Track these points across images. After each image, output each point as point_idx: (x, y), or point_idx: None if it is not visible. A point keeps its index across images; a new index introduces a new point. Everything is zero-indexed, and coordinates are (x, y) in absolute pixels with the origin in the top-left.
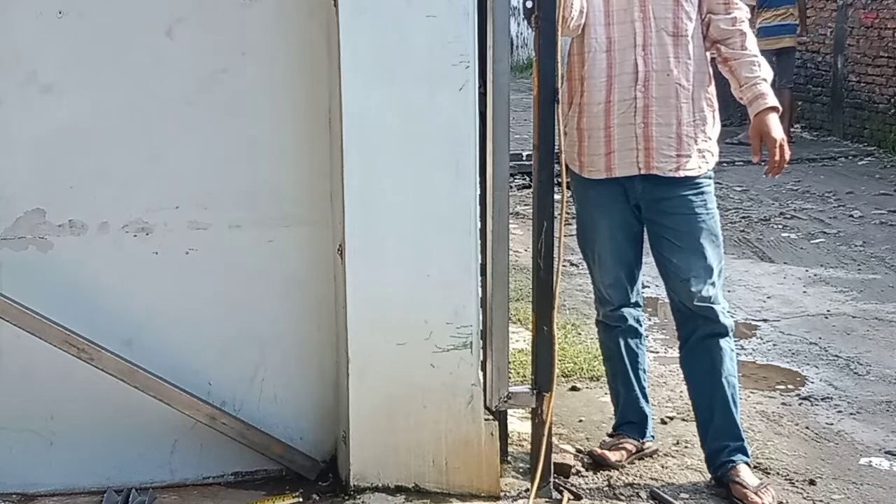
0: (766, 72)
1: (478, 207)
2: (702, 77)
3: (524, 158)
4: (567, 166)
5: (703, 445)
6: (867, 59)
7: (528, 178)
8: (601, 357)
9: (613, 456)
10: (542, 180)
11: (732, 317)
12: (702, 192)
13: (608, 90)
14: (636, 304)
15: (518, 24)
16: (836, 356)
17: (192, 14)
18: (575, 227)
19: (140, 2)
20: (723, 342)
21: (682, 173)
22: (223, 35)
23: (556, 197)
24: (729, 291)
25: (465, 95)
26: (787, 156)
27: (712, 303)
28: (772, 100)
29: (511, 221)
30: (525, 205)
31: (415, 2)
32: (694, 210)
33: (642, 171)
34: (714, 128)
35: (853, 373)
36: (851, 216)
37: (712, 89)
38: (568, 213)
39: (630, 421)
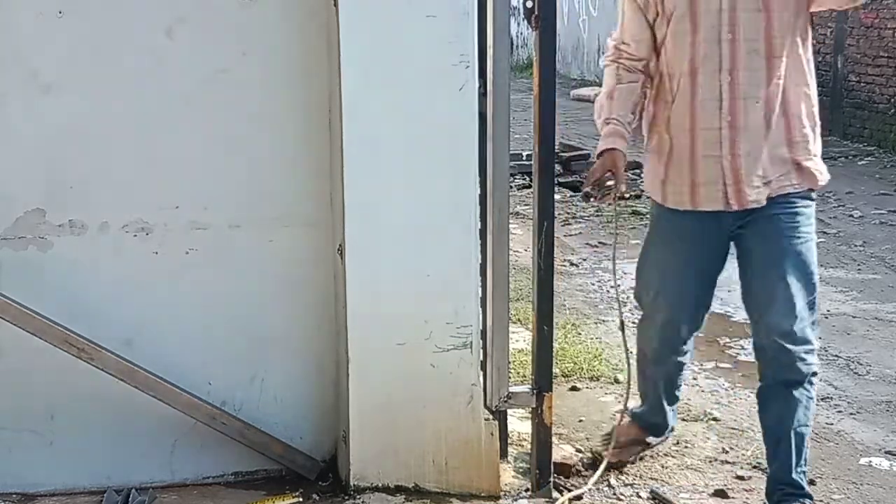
0: None
1: (478, 207)
2: (798, 97)
3: (524, 158)
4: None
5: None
6: (867, 59)
7: (528, 178)
8: (601, 357)
9: (622, 456)
10: (542, 180)
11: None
12: (795, 213)
13: (692, 116)
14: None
15: (518, 24)
16: (836, 356)
17: (192, 14)
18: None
19: (140, 2)
20: (797, 393)
21: (775, 193)
22: (223, 35)
23: (557, 197)
24: (728, 291)
25: (465, 95)
26: None
27: (790, 343)
28: None
29: (511, 221)
30: (525, 205)
31: (415, 2)
32: (783, 232)
33: (734, 208)
34: (814, 145)
35: (853, 373)
36: (851, 216)
37: (811, 106)
38: (568, 213)
39: (654, 422)
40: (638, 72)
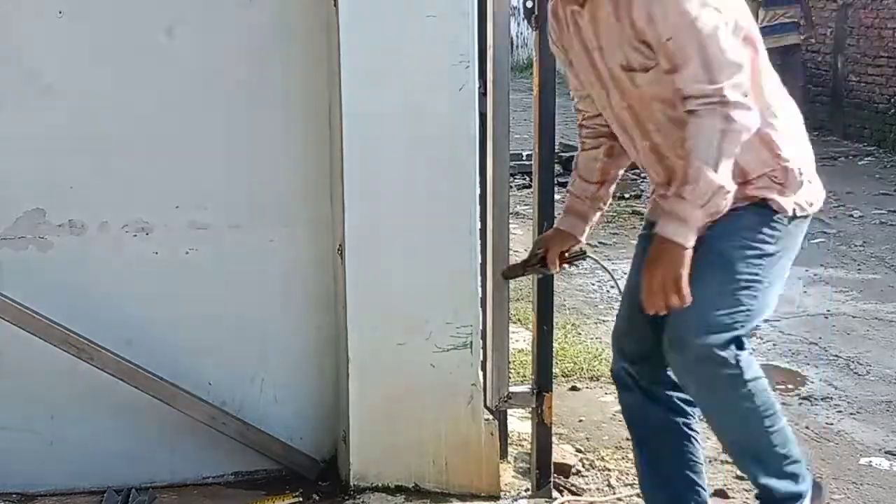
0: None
1: (478, 207)
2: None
3: (524, 158)
4: None
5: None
6: (867, 59)
7: (528, 178)
8: (601, 357)
9: None
10: (542, 180)
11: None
12: (732, 224)
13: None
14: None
15: (518, 24)
16: (836, 356)
17: (192, 14)
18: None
19: (140, 2)
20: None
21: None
22: (223, 35)
23: (557, 197)
24: None
25: (465, 95)
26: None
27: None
28: (670, 227)
29: (511, 221)
30: (525, 205)
31: (415, 2)
32: (707, 241)
33: None
34: (778, 176)
35: (853, 373)
36: (851, 216)
37: (761, 151)
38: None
39: None
40: (600, 136)
